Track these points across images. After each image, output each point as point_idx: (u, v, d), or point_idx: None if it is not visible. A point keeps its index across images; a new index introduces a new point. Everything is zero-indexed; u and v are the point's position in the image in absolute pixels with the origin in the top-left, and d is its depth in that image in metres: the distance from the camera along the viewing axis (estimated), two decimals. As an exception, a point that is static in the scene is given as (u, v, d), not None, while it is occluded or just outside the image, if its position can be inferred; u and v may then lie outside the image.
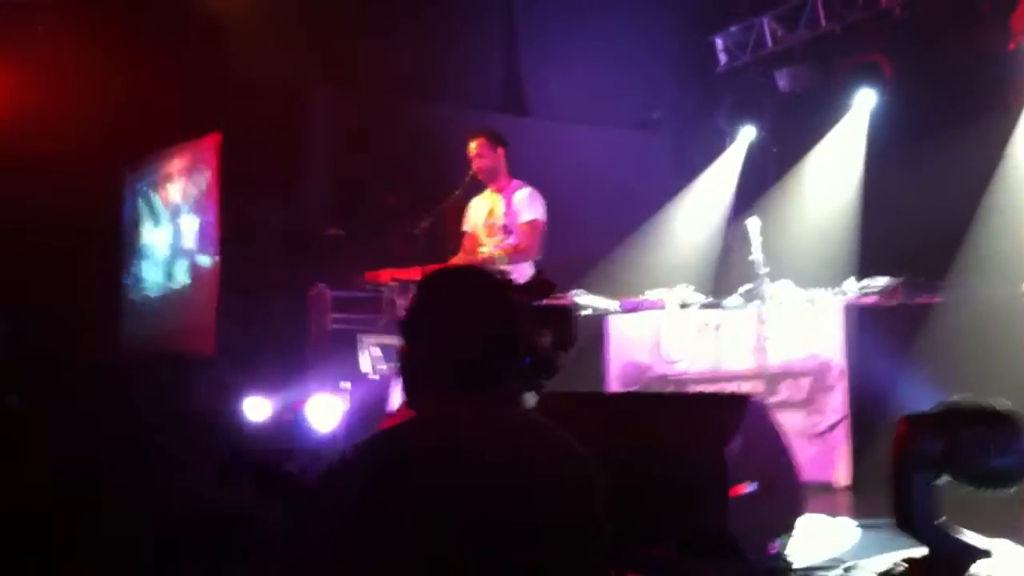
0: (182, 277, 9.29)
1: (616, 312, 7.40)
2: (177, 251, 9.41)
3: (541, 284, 2.85)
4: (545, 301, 2.98)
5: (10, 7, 8.44)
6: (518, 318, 2.29)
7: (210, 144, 8.93)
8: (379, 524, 1.99)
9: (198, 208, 9.07)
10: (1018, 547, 3.85)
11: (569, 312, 2.46)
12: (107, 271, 10.05)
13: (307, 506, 2.16)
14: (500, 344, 2.24)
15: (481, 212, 6.66)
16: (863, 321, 6.27)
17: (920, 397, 3.72)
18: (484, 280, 2.32)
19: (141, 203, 10.11)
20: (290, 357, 7.91)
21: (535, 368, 2.43)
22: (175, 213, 9.49)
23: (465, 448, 2.07)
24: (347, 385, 6.39)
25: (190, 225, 9.20)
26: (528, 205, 6.44)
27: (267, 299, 8.66)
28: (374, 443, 2.17)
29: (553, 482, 2.11)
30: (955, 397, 3.30)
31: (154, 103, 8.85)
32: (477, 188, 6.70)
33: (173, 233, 9.52)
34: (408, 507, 2.00)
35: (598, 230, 8.91)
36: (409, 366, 2.28)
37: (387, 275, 6.41)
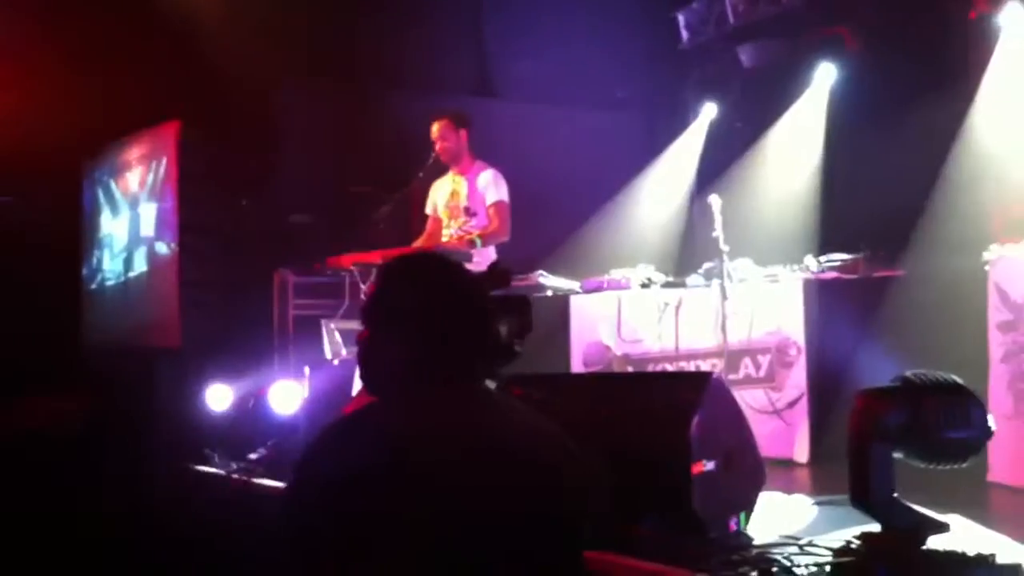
0: (141, 266, 9.22)
1: (579, 293, 7.41)
2: (136, 239, 9.34)
3: (499, 272, 2.85)
4: (503, 288, 2.98)
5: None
6: (481, 304, 2.29)
7: (169, 131, 8.86)
8: (364, 518, 1.98)
9: (156, 196, 9.00)
10: (970, 522, 3.89)
11: (527, 300, 2.45)
12: (67, 264, 9.98)
13: (285, 505, 2.13)
14: (463, 331, 2.24)
15: (444, 194, 6.64)
16: (823, 297, 6.29)
17: (881, 372, 3.73)
18: (446, 266, 2.32)
19: (100, 192, 10.02)
20: (255, 344, 7.87)
21: (494, 355, 2.42)
22: (134, 202, 9.41)
23: (450, 439, 2.06)
24: (308, 371, 6.37)
25: (148, 213, 9.13)
26: (493, 186, 6.43)
27: (232, 287, 8.61)
28: (345, 434, 2.15)
29: (543, 473, 2.12)
30: (911, 371, 3.31)
31: (114, 92, 8.76)
32: (440, 170, 6.68)
33: (132, 221, 9.44)
34: (395, 501, 1.99)
35: (566, 210, 8.91)
36: (369, 352, 2.27)
37: (349, 260, 6.37)
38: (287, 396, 6.05)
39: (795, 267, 6.56)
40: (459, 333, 2.23)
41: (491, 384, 2.44)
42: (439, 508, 1.99)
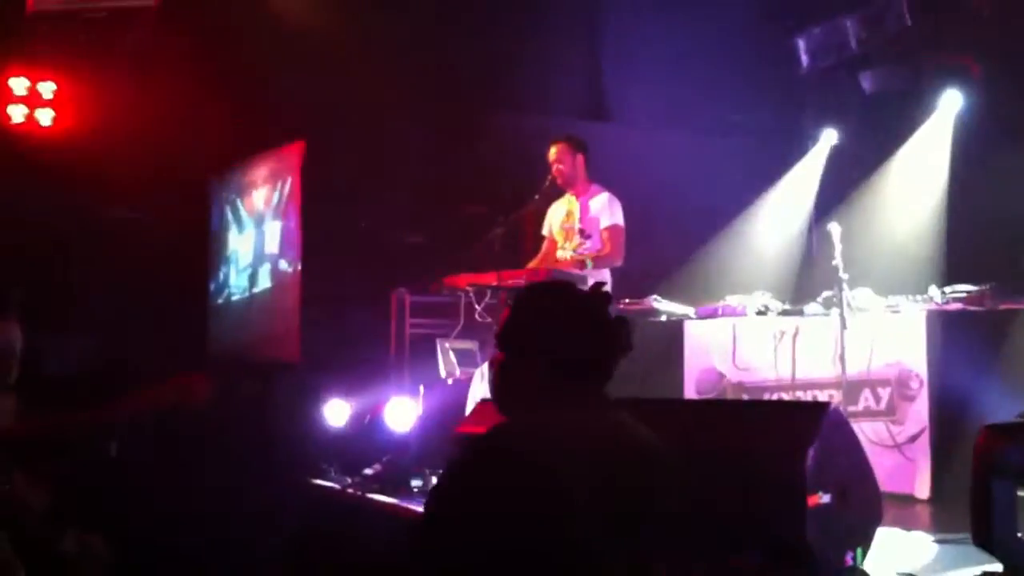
0: (265, 282, 9.47)
1: (693, 318, 7.35)
2: (260, 257, 9.60)
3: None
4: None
5: (99, 21, 8.68)
6: (609, 331, 2.41)
7: (294, 151, 9.09)
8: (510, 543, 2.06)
9: (281, 214, 9.24)
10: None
11: (626, 321, 2.54)
12: (195, 279, 10.30)
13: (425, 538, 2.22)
14: (593, 357, 2.38)
15: (559, 216, 6.72)
16: (947, 329, 6.11)
17: (1005, 408, 3.63)
18: (579, 295, 2.45)
19: (228, 210, 10.34)
20: (371, 361, 8.02)
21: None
22: (259, 220, 9.68)
23: (584, 458, 2.18)
24: (423, 389, 6.46)
25: (273, 231, 9.37)
26: (608, 210, 6.48)
27: (349, 305, 8.79)
28: (483, 461, 2.22)
29: (661, 482, 2.30)
30: (1039, 408, 3.22)
31: (238, 113, 9.04)
32: (557, 193, 6.74)
33: (256, 239, 9.71)
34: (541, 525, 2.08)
35: (679, 235, 8.88)
36: (503, 375, 2.41)
37: (464, 280, 6.47)
38: (402, 413, 6.14)
39: (918, 298, 6.39)
40: (588, 359, 2.37)
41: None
42: (583, 528, 2.08)
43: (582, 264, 6.33)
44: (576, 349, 2.36)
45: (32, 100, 9.02)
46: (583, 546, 2.07)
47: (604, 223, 6.47)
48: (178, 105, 8.98)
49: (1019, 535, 3.10)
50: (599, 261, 6.40)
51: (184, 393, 3.28)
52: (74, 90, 9.13)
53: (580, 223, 6.56)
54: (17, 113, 8.98)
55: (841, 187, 8.73)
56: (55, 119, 9.09)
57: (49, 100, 9.07)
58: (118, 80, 9.19)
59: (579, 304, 2.43)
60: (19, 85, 8.93)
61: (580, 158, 6.60)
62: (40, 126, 9.07)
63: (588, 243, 6.49)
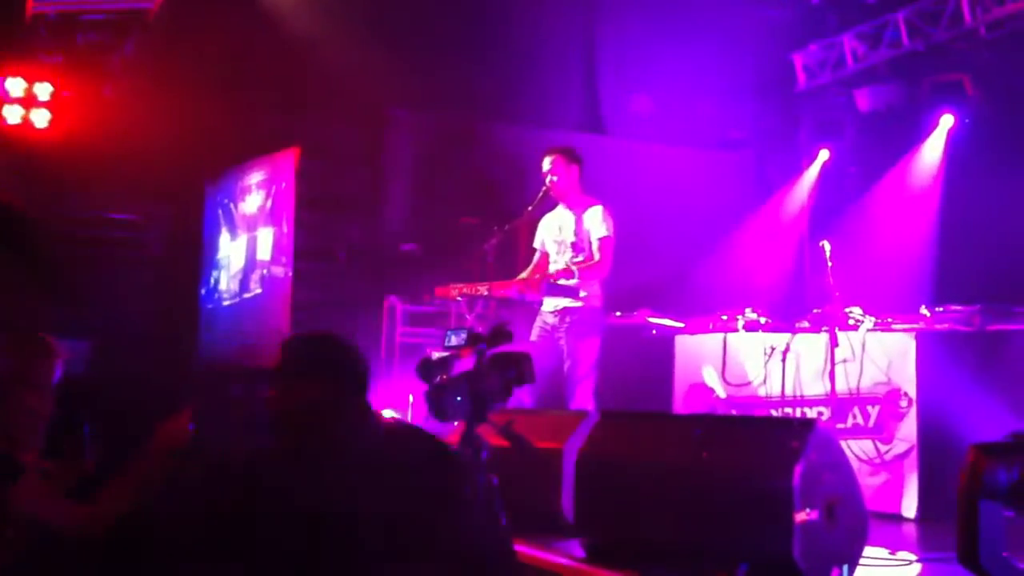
0: (255, 288, 9.46)
1: (684, 333, 7.35)
2: (252, 263, 9.58)
3: (501, 333, 3.28)
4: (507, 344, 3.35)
5: (97, 25, 8.69)
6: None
7: (288, 158, 9.09)
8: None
9: (273, 220, 9.23)
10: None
11: (527, 356, 3.13)
12: (187, 283, 10.28)
13: None
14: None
15: (552, 228, 6.69)
16: (937, 348, 6.13)
17: (993, 428, 3.62)
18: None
19: (220, 214, 10.33)
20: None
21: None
22: (252, 225, 9.67)
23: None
24: (412, 398, 6.43)
25: (265, 237, 9.36)
26: (600, 223, 6.45)
27: (340, 312, 8.77)
28: None
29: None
30: (1027, 428, 3.21)
31: (235, 118, 9.02)
32: (551, 205, 6.73)
33: (248, 245, 9.69)
34: None
35: (674, 250, 8.87)
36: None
37: (456, 291, 6.46)
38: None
39: (908, 316, 6.40)
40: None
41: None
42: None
43: (569, 274, 6.33)
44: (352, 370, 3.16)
45: (28, 102, 9.01)
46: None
47: (595, 235, 6.45)
48: (173, 109, 8.98)
49: (1005, 555, 3.10)
50: (586, 271, 6.36)
51: (170, 437, 3.29)
52: (70, 92, 9.13)
53: (574, 236, 6.54)
54: (13, 114, 8.97)
55: (836, 203, 8.75)
56: (51, 121, 9.08)
57: (45, 102, 9.06)
58: (115, 83, 9.19)
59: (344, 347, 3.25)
60: (16, 86, 8.92)
61: (574, 169, 6.57)
62: (35, 128, 9.06)
63: (581, 256, 6.48)
